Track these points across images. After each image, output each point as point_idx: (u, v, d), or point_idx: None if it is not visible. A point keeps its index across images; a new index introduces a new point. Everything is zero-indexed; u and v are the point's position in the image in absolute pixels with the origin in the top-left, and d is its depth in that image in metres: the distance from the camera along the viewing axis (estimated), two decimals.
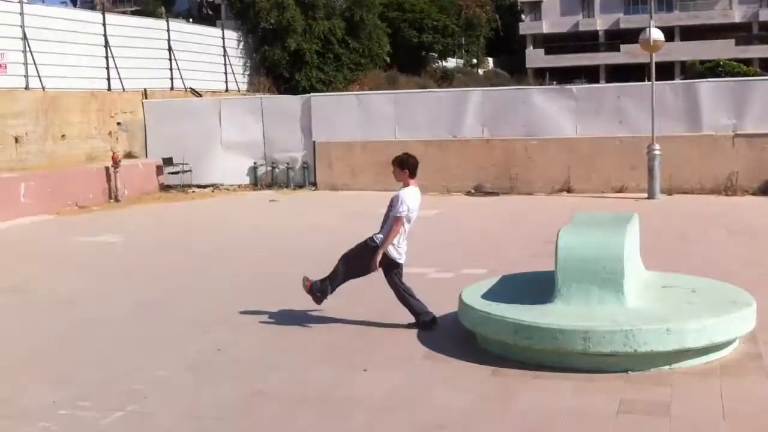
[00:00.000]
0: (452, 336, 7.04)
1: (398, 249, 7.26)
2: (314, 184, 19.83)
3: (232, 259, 11.29)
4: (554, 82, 43.40)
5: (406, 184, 7.23)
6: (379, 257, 7.13)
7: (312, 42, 31.53)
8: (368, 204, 16.76)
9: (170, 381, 6.23)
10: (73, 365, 6.69)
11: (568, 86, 20.69)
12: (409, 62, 39.19)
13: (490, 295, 6.93)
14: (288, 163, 20.10)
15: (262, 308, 8.31)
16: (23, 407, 5.70)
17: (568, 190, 17.80)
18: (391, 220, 7.19)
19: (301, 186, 19.88)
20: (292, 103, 20.81)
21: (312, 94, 22.37)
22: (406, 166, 7.23)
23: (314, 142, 19.87)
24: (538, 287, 6.92)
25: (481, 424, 5.24)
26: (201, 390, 6.02)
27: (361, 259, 7.31)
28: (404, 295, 7.38)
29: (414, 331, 7.28)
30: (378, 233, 7.32)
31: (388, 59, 35.66)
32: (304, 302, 8.27)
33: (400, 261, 7.31)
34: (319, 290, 7.54)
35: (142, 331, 7.71)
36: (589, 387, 5.81)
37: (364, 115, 19.81)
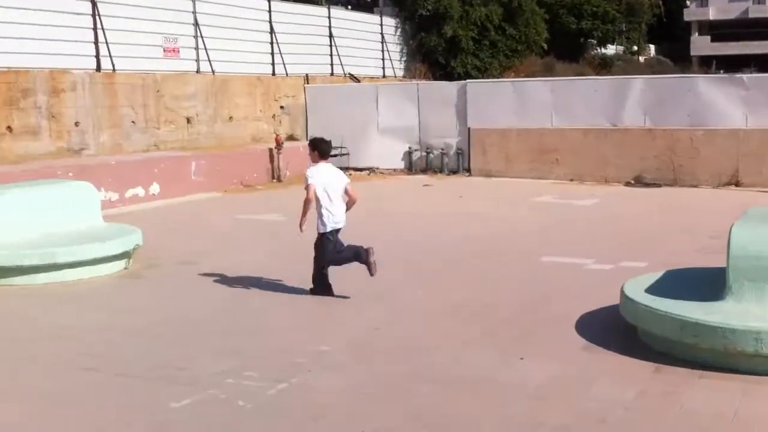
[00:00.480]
0: (612, 329, 6.90)
1: (322, 219, 8.01)
2: (468, 170, 19.82)
3: (387, 241, 11.46)
4: (721, 71, 41.20)
5: (315, 161, 8.13)
6: (299, 224, 8.15)
7: (468, 28, 31.42)
8: (522, 191, 16.68)
9: (331, 356, 6.45)
10: (239, 336, 7.04)
11: (739, 75, 19.59)
12: (567, 49, 38.30)
13: (655, 289, 6.73)
14: (442, 149, 20.19)
15: (418, 291, 8.45)
16: (194, 375, 6.04)
17: (737, 184, 16.89)
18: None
19: (454, 172, 19.93)
20: (447, 89, 20.85)
21: (468, 80, 22.31)
22: (315, 148, 8.21)
23: (469, 128, 19.84)
24: (705, 284, 6.67)
25: (644, 422, 5.12)
26: (360, 367, 6.21)
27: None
28: (318, 268, 8.17)
29: (572, 322, 7.19)
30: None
31: (545, 46, 35.02)
32: (459, 286, 8.36)
33: (324, 230, 8.03)
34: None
35: (303, 307, 8.02)
36: (759, 391, 5.56)
37: (519, 102, 19.57)
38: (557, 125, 18.80)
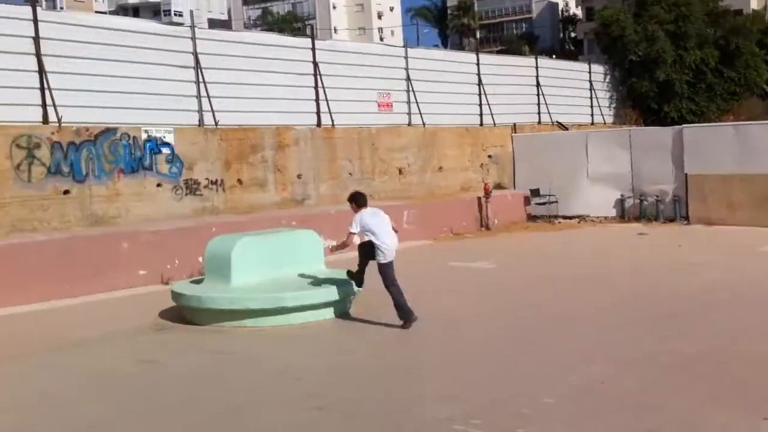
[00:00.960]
0: None
1: (380, 252, 9.16)
2: (686, 218, 18.89)
3: (602, 291, 11.15)
4: None
5: (356, 211, 9.40)
6: (332, 249, 9.79)
7: (682, 72, 30.33)
8: (747, 240, 15.62)
9: (557, 409, 6.29)
10: (459, 383, 7.05)
11: None
12: None
13: None
14: (657, 196, 19.42)
15: (641, 345, 8.09)
16: (422, 419, 6.09)
17: None
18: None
19: (671, 220, 19.07)
20: (662, 134, 20.08)
21: (684, 125, 21.39)
22: (353, 201, 9.58)
23: (686, 174, 18.95)
24: None
25: None
26: (589, 423, 5.99)
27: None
28: (396, 294, 9.23)
29: None
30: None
31: (766, 88, 32.98)
32: (691, 338, 7.92)
33: (384, 261, 9.16)
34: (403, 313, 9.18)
35: (524, 356, 7.91)
36: None
37: (742, 147, 18.45)
38: None
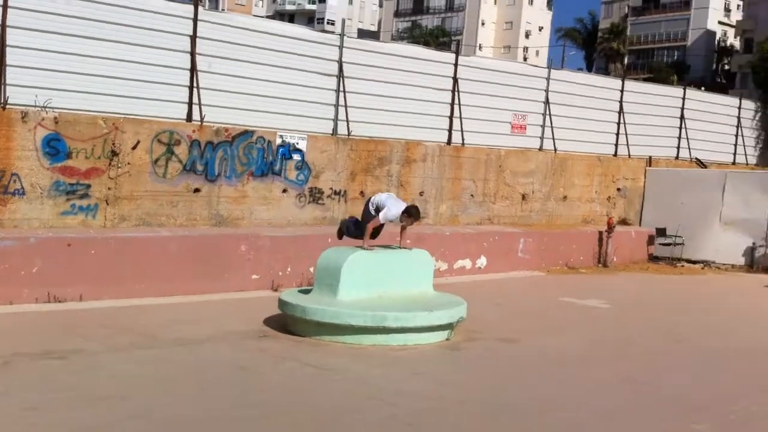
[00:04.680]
0: None
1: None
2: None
3: (717, 343, 10.73)
4: None
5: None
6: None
7: None
8: None
9: None
10: (556, 422, 7.02)
11: None
12: None
13: None
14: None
15: (749, 405, 7.77)
16: None
17: None
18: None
19: None
20: None
21: None
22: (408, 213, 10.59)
23: None
24: None
25: None
26: None
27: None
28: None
29: None
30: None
31: None
32: None
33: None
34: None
35: (623, 406, 7.72)
36: None
37: None
38: None
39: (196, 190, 13.74)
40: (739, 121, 27.35)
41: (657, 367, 9.27)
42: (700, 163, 24.18)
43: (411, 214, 10.47)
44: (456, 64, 18.44)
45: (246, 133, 14.43)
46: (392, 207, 10.46)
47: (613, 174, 21.53)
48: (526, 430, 6.88)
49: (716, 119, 26.21)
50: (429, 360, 9.20)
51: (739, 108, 27.50)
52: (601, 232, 18.68)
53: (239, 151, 14.31)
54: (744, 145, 27.47)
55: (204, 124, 13.97)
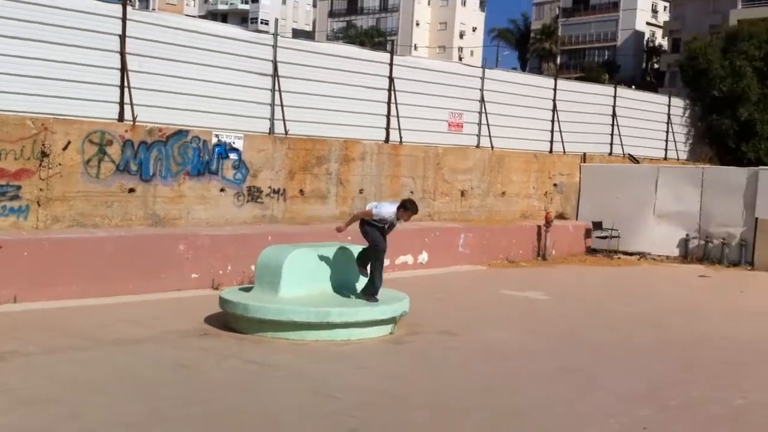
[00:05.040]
0: None
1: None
2: (751, 264, 18.39)
3: (655, 332, 10.93)
4: None
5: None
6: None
7: (765, 112, 29.46)
8: None
9: None
10: (498, 417, 6.99)
11: None
12: None
13: None
14: (723, 239, 18.95)
15: (690, 391, 7.91)
16: None
17: None
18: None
19: (735, 264, 18.58)
20: (736, 175, 19.59)
21: (762, 167, 20.81)
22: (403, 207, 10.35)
23: (756, 218, 18.46)
24: None
25: None
26: None
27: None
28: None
29: None
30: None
31: None
32: (726, 390, 7.73)
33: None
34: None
35: (565, 393, 7.79)
36: None
37: None
38: None
39: (131, 190, 13.45)
40: (669, 118, 28.07)
41: (596, 357, 9.38)
42: (633, 159, 24.71)
43: (407, 207, 10.27)
44: (391, 64, 18.49)
45: (180, 133, 14.18)
46: (386, 206, 10.37)
47: (550, 170, 21.84)
48: (469, 422, 6.86)
49: (647, 116, 26.86)
50: (373, 354, 9.14)
51: (669, 105, 28.23)
52: (539, 227, 18.92)
53: (174, 151, 14.06)
54: (675, 141, 28.19)
55: (137, 123, 13.69)
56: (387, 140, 18.22)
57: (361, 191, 17.16)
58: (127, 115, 13.78)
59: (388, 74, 18.41)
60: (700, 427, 6.94)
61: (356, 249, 10.88)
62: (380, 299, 10.14)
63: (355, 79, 17.65)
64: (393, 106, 18.37)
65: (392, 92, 18.39)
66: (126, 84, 13.87)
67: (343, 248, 10.79)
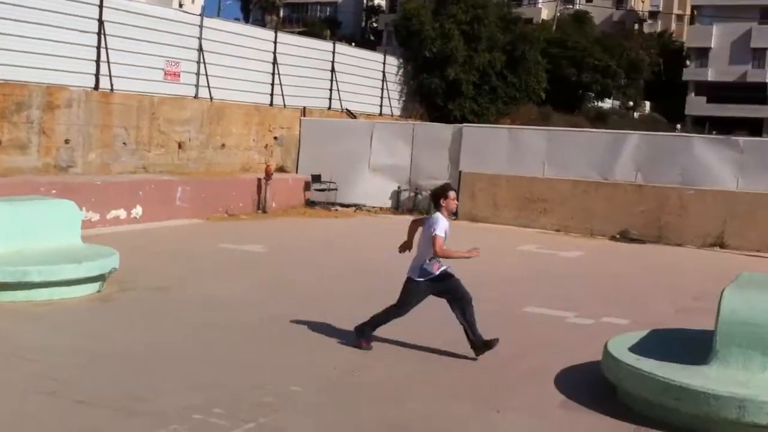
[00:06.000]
0: (591, 387, 6.72)
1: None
2: (455, 214, 19.72)
3: (369, 279, 11.32)
4: (714, 132, 41.49)
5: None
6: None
7: (470, 73, 31.61)
8: (507, 239, 16.55)
9: (302, 398, 6.23)
10: (208, 370, 6.81)
11: (735, 137, 19.63)
12: (564, 100, 38.52)
13: (638, 349, 6.56)
14: (431, 190, 20.10)
15: (396, 335, 8.23)
16: (160, 408, 5.80)
17: (722, 246, 16.85)
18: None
19: None
20: (443, 131, 20.85)
21: (464, 124, 22.32)
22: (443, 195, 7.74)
23: (460, 171, 19.80)
24: (691, 346, 6.52)
25: None
26: (333, 411, 5.99)
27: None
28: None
29: (552, 377, 7.01)
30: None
31: (543, 95, 35.23)
32: (437, 331, 8.17)
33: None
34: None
35: (278, 344, 7.79)
36: None
37: (514, 150, 19.57)
38: (548, 175, 18.77)
39: None
40: (384, 75, 29.16)
41: (312, 306, 9.48)
42: (350, 114, 25.39)
43: (445, 194, 7.74)
44: (101, 6, 17.26)
45: None
46: (436, 221, 7.55)
47: (270, 123, 21.76)
48: (178, 377, 6.63)
49: (365, 73, 27.70)
50: (77, 313, 8.52)
51: (384, 63, 29.31)
52: (259, 179, 18.82)
53: None
54: (389, 98, 29.37)
55: None
56: (96, 87, 17.03)
57: (67, 141, 15.92)
58: None
59: (97, 17, 17.14)
60: (401, 365, 7.24)
61: (61, 203, 10.06)
62: (85, 255, 9.43)
63: (60, 20, 16.24)
64: (104, 51, 17.16)
65: (102, 36, 17.16)
66: None
67: (45, 202, 9.92)
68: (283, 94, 22.74)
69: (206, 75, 20.04)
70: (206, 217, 17.01)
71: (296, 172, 21.28)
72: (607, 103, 45.91)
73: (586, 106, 42.32)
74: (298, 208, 19.97)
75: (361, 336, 7.70)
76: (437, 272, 7.49)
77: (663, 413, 5.93)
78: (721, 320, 6.10)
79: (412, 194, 20.36)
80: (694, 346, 6.44)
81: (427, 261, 7.50)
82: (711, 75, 62.30)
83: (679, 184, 17.59)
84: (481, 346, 7.38)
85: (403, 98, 30.75)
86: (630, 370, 6.17)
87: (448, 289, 7.56)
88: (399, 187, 20.58)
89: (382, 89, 29.08)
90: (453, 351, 7.66)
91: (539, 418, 6.04)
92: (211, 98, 20.04)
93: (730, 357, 6.01)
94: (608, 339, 6.90)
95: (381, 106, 28.91)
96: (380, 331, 7.95)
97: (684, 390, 5.75)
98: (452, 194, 7.70)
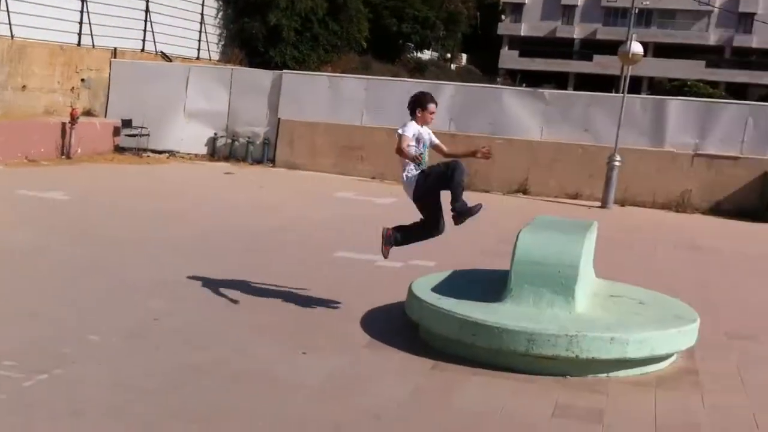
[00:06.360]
0: (397, 327, 6.94)
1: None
2: (272, 161, 19.63)
3: (177, 227, 11.07)
4: (524, 85, 43.59)
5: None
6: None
7: (292, 19, 31.11)
8: (324, 186, 16.70)
9: (101, 347, 6.01)
10: (4, 321, 6.44)
11: (541, 90, 20.68)
12: (385, 50, 38.98)
13: (441, 288, 6.83)
14: (249, 138, 19.87)
15: (203, 280, 8.12)
16: None
17: (525, 192, 17.86)
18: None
19: (259, 162, 19.66)
20: (262, 77, 20.53)
21: (284, 71, 22.07)
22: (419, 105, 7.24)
23: (279, 118, 19.65)
24: (490, 285, 6.85)
25: (416, 418, 5.15)
26: (132, 359, 5.83)
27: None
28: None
29: (358, 318, 7.18)
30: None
31: (364, 45, 35.40)
32: (246, 276, 8.15)
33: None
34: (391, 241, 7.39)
35: (77, 293, 7.47)
36: (527, 389, 5.76)
37: (333, 98, 19.63)
38: (366, 123, 19.00)
39: None
40: (202, 18, 28.14)
41: (118, 254, 9.16)
42: (166, 57, 24.40)
43: (424, 105, 7.19)
44: None
45: None
46: (406, 124, 7.19)
47: (77, 64, 20.49)
48: None
49: (182, 15, 26.55)
50: None
51: (203, 5, 28.26)
52: (64, 124, 17.77)
53: None
54: (208, 42, 28.43)
55: None
56: None
57: None
58: None
59: None
60: (211, 313, 7.18)
61: None
62: None
63: None
64: None
65: None
66: None
67: None
68: (92, 34, 21.42)
69: (8, 11, 18.52)
70: (4, 162, 15.86)
71: (105, 117, 20.25)
72: (427, 55, 46.93)
73: (406, 56, 43.03)
74: (107, 154, 19.07)
75: (389, 243, 7.40)
76: (418, 170, 7.21)
77: (461, 349, 6.22)
78: (516, 260, 6.46)
79: (229, 141, 19.99)
80: (493, 286, 6.78)
81: (406, 169, 7.28)
82: (524, 30, 65.18)
83: (489, 133, 18.32)
84: (458, 214, 7.07)
85: (223, 42, 29.89)
86: (431, 309, 6.42)
87: (438, 174, 7.14)
88: (216, 134, 20.14)
89: (200, 32, 28.08)
90: (259, 295, 7.65)
91: (344, 358, 6.16)
92: (12, 36, 18.57)
93: (522, 294, 6.38)
94: (413, 280, 7.13)
95: (199, 50, 27.93)
96: (181, 277, 7.83)
97: (479, 326, 6.06)
98: (432, 107, 7.16)
